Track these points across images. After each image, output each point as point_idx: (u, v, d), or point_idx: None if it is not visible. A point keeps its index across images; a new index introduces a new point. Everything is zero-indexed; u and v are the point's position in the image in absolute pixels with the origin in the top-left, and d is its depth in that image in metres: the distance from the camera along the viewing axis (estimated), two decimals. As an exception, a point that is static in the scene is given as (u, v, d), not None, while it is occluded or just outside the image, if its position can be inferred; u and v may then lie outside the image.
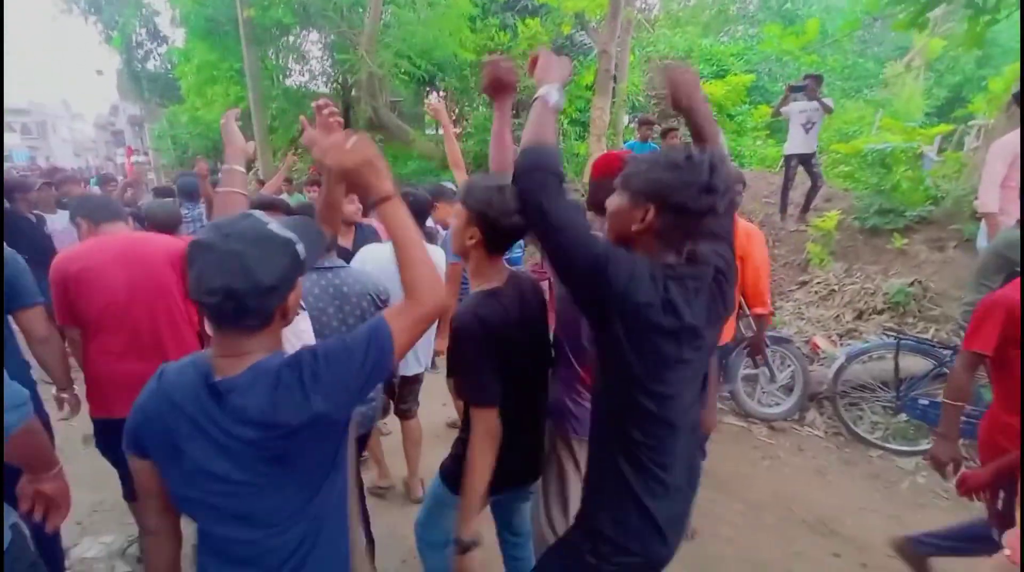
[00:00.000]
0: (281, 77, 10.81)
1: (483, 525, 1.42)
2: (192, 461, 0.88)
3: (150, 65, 15.82)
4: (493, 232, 1.32)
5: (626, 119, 9.60)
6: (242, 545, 0.93)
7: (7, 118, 25.60)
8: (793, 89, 5.41)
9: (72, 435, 3.25)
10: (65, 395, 2.14)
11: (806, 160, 5.50)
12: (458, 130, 12.33)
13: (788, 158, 5.59)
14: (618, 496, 1.13)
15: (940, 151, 8.24)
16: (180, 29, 13.34)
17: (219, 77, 11.53)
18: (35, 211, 4.18)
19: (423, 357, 2.74)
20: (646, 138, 6.14)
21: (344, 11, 8.31)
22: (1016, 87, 3.88)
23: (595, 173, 1.74)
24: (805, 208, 5.69)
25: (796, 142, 5.43)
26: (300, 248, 0.89)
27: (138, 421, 0.92)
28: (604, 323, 1.06)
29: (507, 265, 1.47)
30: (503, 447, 1.35)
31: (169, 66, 14.96)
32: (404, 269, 0.96)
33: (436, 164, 9.11)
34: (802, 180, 5.73)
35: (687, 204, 1.03)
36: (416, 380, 2.75)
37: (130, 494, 2.11)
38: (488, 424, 1.32)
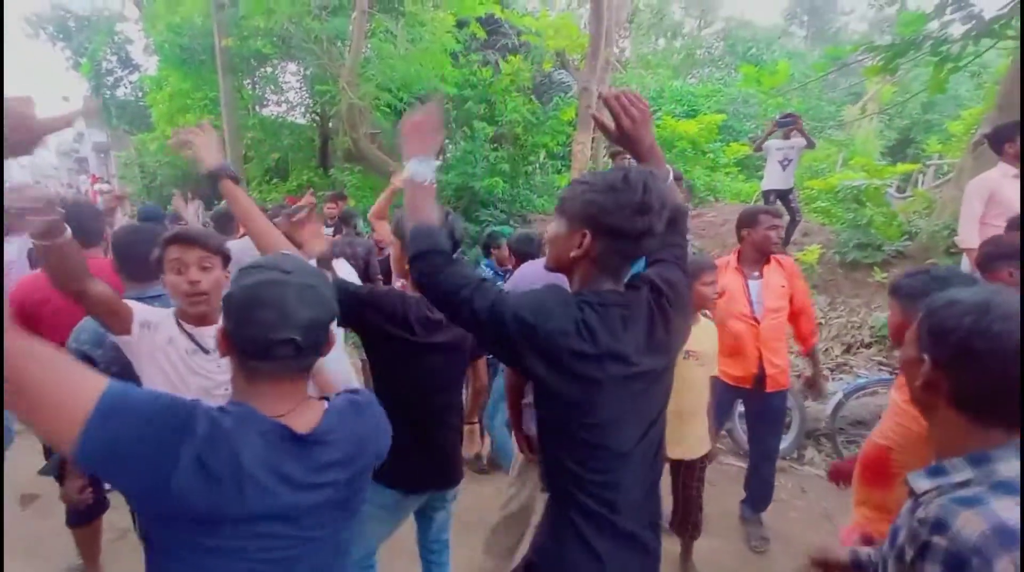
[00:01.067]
0: (257, 107, 10.67)
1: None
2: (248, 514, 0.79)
3: (119, 92, 15.49)
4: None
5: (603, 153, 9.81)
6: None
7: (-39, 143, 24.44)
8: (781, 123, 5.55)
9: (9, 496, 2.89)
10: None
11: (783, 195, 5.62)
12: (439, 162, 12.36)
13: (766, 193, 5.71)
14: (565, 539, 1.05)
15: (899, 189, 8.69)
16: (153, 57, 13.20)
17: (192, 105, 11.33)
18: None
19: None
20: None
21: (325, 44, 8.30)
22: (982, 128, 4.06)
23: None
24: (785, 242, 5.79)
25: (774, 178, 5.56)
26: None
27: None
28: (521, 361, 1.02)
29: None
30: (415, 447, 1.46)
31: (140, 94, 14.68)
32: None
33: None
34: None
35: (622, 226, 1.00)
36: None
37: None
38: None
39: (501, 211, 7.89)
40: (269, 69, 12.45)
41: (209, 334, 1.42)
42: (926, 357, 0.78)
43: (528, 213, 8.17)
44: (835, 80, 17.38)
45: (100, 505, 2.08)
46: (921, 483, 0.79)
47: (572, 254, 1.06)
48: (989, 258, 1.82)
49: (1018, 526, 0.65)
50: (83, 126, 21.94)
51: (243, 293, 0.82)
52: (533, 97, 8.37)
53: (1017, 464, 0.72)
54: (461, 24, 8.39)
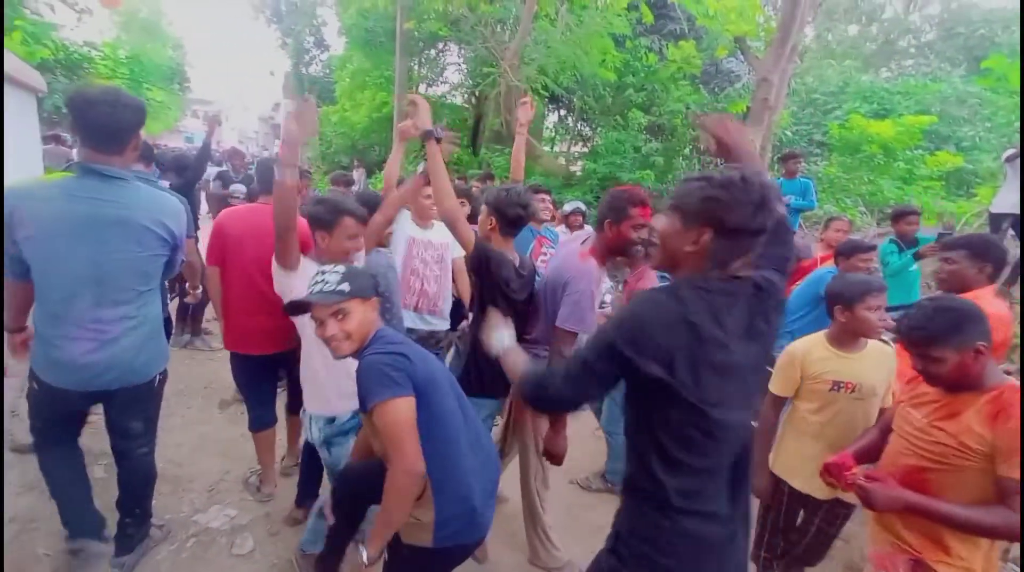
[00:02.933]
0: (425, 87, 11.45)
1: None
2: None
3: (313, 69, 17.78)
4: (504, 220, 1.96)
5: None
6: None
7: (195, 106, 30.14)
8: None
9: (211, 399, 3.51)
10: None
11: (1019, 224, 4.49)
12: (586, 149, 12.22)
13: (995, 217, 4.60)
14: (652, 523, 1.09)
15: None
16: (342, 38, 14.87)
17: (369, 83, 12.54)
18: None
19: None
20: (793, 173, 5.49)
21: (494, 27, 8.54)
22: None
23: None
24: (1012, 281, 4.65)
25: (1012, 198, 4.44)
26: None
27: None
28: (642, 378, 1.05)
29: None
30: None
31: (328, 71, 16.71)
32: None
33: (559, 182, 9.00)
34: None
35: (741, 222, 1.03)
36: None
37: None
38: None
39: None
40: (433, 52, 13.33)
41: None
42: None
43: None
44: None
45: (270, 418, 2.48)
46: None
47: (687, 250, 1.08)
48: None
49: None
50: (281, 97, 25.59)
51: None
52: (700, 86, 7.75)
53: None
54: (630, 8, 8.03)
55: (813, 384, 1.85)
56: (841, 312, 1.83)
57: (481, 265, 1.92)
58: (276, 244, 1.78)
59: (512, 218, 1.93)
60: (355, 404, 1.52)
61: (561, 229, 4.77)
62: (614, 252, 1.95)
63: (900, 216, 3.75)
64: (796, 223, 6.21)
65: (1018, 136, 8.48)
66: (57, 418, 1.84)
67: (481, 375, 1.98)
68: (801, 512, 1.95)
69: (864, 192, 8.14)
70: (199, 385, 3.69)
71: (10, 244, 1.61)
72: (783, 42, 6.13)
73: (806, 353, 1.88)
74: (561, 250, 2.16)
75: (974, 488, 1.32)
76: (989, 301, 1.95)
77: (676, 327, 1.02)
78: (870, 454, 1.61)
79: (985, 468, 1.30)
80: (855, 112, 10.50)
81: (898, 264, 3.58)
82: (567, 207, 4.58)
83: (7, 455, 2.55)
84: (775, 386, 1.93)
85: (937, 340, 1.31)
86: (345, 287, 1.40)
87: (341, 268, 1.45)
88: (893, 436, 1.53)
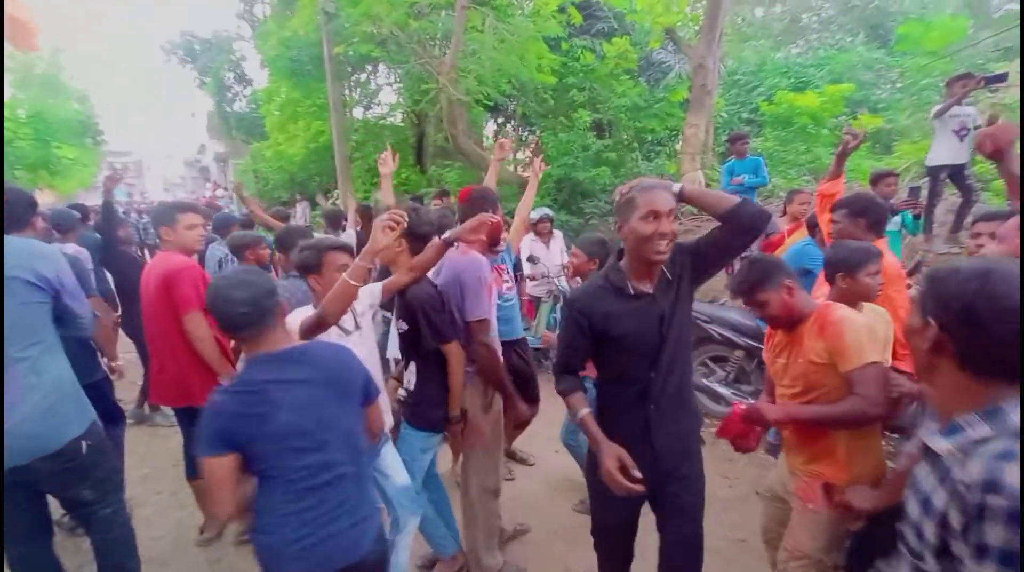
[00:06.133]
0: (361, 110, 11.16)
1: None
2: None
3: (236, 106, 17.03)
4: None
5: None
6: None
7: (111, 158, 28.37)
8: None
9: (183, 479, 3.14)
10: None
11: (957, 172, 4.79)
12: (529, 153, 12.25)
13: (935, 170, 4.88)
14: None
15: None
16: (264, 71, 14.32)
17: (302, 113, 12.11)
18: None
19: None
20: (743, 153, 5.68)
21: (426, 43, 8.40)
22: None
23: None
24: (956, 227, 4.94)
25: (947, 151, 4.72)
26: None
27: None
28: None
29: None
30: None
31: (254, 106, 16.04)
32: None
33: (515, 189, 8.94)
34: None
35: None
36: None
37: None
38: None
39: (605, 202, 7.55)
40: (363, 75, 13.05)
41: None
42: (931, 321, 0.85)
43: (633, 203, 7.76)
44: (974, 35, 14.92)
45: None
46: (940, 444, 0.84)
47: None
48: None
49: None
50: (207, 138, 24.39)
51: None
52: (642, 80, 7.90)
53: (1014, 416, 0.78)
54: (559, 10, 8.10)
55: None
56: (843, 278, 1.86)
57: (435, 305, 2.00)
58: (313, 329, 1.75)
59: (423, 236, 2.02)
60: None
61: (530, 236, 4.69)
62: (492, 242, 2.33)
63: (879, 178, 3.90)
64: (753, 199, 6.41)
65: (930, 93, 9.16)
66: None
67: (419, 409, 2.09)
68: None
69: (803, 162, 8.54)
70: (166, 464, 3.32)
71: None
72: (712, 28, 6.35)
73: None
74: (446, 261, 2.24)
75: (835, 392, 1.62)
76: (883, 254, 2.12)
77: None
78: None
79: (835, 374, 1.60)
80: (777, 88, 11.06)
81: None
82: (534, 215, 4.50)
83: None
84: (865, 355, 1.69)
85: (755, 287, 1.68)
86: None
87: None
88: (776, 388, 1.82)
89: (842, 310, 1.68)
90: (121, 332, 3.78)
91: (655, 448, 1.55)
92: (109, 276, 3.86)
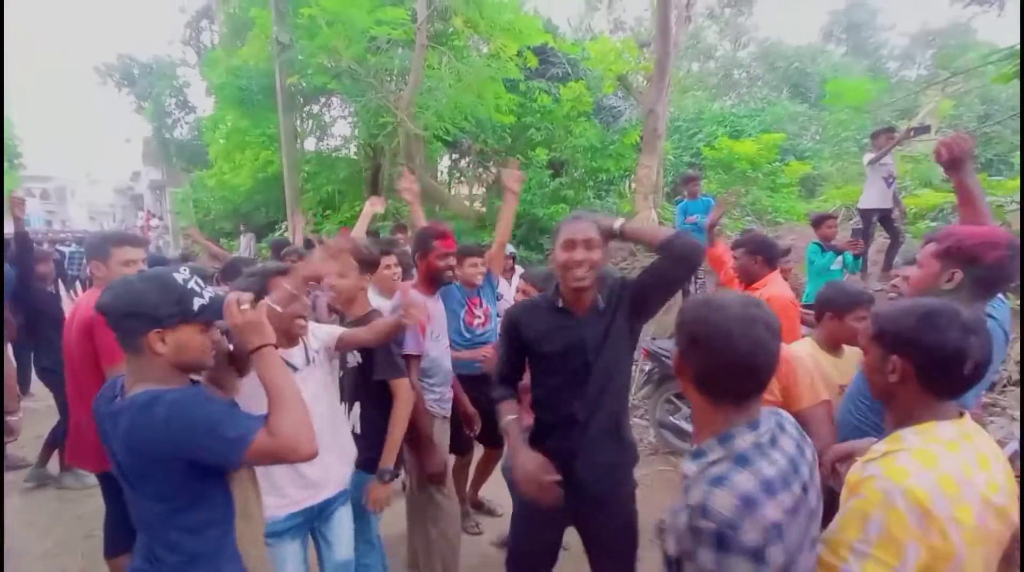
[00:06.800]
0: (313, 142, 10.92)
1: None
2: None
3: (177, 133, 16.26)
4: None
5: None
6: None
7: (29, 184, 26.17)
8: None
9: (97, 553, 2.70)
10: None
11: (886, 216, 5.21)
12: (482, 190, 12.34)
13: (866, 213, 5.29)
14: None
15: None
16: (209, 99, 13.81)
17: (250, 142, 11.69)
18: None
19: None
20: (695, 194, 5.97)
21: (383, 78, 8.41)
22: None
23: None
24: (887, 266, 5.34)
25: (877, 196, 5.14)
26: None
27: None
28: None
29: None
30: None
31: (196, 134, 15.37)
32: (273, 412, 1.06)
33: (472, 224, 8.92)
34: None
35: None
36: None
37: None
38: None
39: (562, 238, 7.66)
40: (315, 107, 12.87)
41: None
42: (675, 348, 0.94)
43: (588, 239, 7.92)
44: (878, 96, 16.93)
45: None
46: (688, 467, 0.89)
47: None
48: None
49: (758, 491, 0.77)
50: (140, 164, 23.07)
51: None
52: (597, 122, 8.22)
53: (750, 437, 0.85)
54: (518, 53, 8.38)
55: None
56: (831, 318, 1.87)
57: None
58: None
59: (371, 262, 2.07)
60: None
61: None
62: (433, 280, 2.33)
63: (821, 221, 4.16)
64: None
65: (849, 144, 10.14)
66: None
67: (373, 452, 1.95)
68: None
69: (745, 203, 9.11)
70: (77, 537, 2.83)
71: None
72: (661, 77, 6.75)
73: (815, 357, 1.85)
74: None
75: None
76: (775, 285, 2.52)
77: None
78: None
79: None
80: (714, 135, 11.92)
81: (822, 263, 3.90)
82: None
83: None
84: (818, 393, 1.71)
85: None
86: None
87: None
88: None
89: (793, 349, 1.67)
90: (36, 377, 3.32)
91: (579, 476, 1.54)
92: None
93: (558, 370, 1.56)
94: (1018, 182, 6.27)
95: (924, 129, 5.00)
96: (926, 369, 0.94)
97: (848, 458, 1.20)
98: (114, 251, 1.98)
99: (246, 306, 1.11)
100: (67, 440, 2.14)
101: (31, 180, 26.73)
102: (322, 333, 1.83)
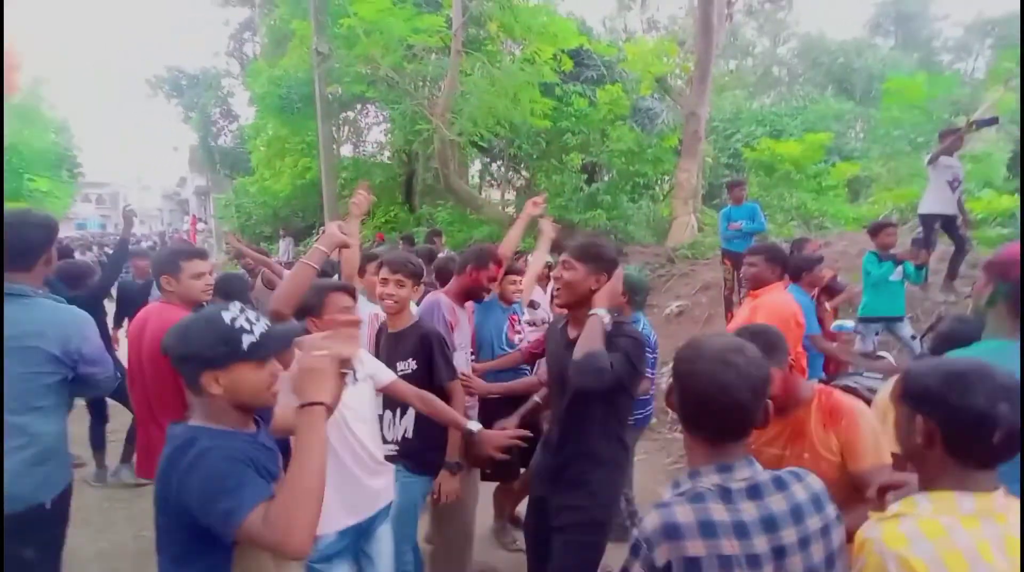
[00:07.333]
0: (349, 148, 11.14)
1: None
2: None
3: (222, 141, 16.91)
4: None
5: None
6: None
7: (87, 190, 27.80)
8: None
9: (149, 555, 2.76)
10: None
11: (950, 222, 4.85)
12: (512, 194, 12.32)
13: (927, 218, 4.91)
14: None
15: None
16: (251, 108, 14.29)
17: (290, 149, 12.03)
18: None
19: None
20: (740, 199, 5.73)
21: (418, 85, 8.49)
22: None
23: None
24: (951, 275, 4.98)
25: (940, 201, 4.76)
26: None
27: None
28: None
29: None
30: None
31: (239, 141, 15.94)
32: (281, 492, 0.97)
33: (503, 229, 8.89)
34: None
35: None
36: None
37: None
38: None
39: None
40: (351, 114, 13.14)
41: None
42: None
43: (625, 244, 7.74)
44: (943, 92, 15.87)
45: None
46: (665, 492, 0.97)
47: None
48: None
49: (689, 526, 0.86)
50: (187, 172, 24.10)
51: None
52: (633, 125, 8.07)
53: (716, 478, 0.91)
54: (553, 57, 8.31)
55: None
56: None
57: (446, 341, 2.07)
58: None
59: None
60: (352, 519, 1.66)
61: None
62: (470, 294, 2.39)
63: (879, 229, 3.91)
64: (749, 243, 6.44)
65: (902, 143, 9.57)
66: None
67: (422, 453, 2.03)
68: None
69: (789, 207, 8.75)
70: (126, 536, 2.86)
71: None
72: (703, 79, 6.54)
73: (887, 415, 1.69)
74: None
75: (838, 495, 1.35)
76: (776, 293, 2.54)
77: None
78: None
79: (841, 473, 1.41)
80: (753, 136, 11.46)
81: (879, 274, 3.66)
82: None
83: None
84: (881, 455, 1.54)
85: None
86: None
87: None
88: None
89: (851, 398, 1.50)
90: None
91: (549, 467, 1.73)
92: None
93: (549, 373, 1.79)
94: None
95: (989, 122, 4.59)
96: (951, 433, 0.87)
97: (899, 488, 1.08)
98: (184, 265, 1.98)
99: (323, 353, 1.05)
100: (137, 451, 2.21)
101: (88, 186, 28.33)
102: (371, 364, 1.83)
